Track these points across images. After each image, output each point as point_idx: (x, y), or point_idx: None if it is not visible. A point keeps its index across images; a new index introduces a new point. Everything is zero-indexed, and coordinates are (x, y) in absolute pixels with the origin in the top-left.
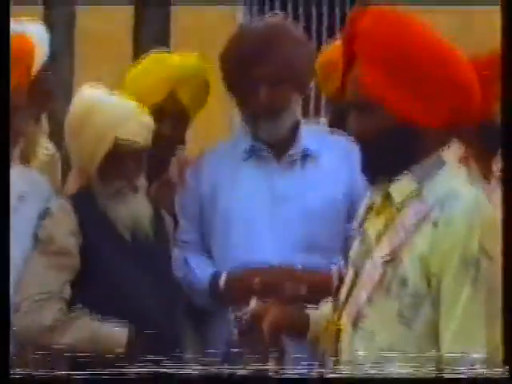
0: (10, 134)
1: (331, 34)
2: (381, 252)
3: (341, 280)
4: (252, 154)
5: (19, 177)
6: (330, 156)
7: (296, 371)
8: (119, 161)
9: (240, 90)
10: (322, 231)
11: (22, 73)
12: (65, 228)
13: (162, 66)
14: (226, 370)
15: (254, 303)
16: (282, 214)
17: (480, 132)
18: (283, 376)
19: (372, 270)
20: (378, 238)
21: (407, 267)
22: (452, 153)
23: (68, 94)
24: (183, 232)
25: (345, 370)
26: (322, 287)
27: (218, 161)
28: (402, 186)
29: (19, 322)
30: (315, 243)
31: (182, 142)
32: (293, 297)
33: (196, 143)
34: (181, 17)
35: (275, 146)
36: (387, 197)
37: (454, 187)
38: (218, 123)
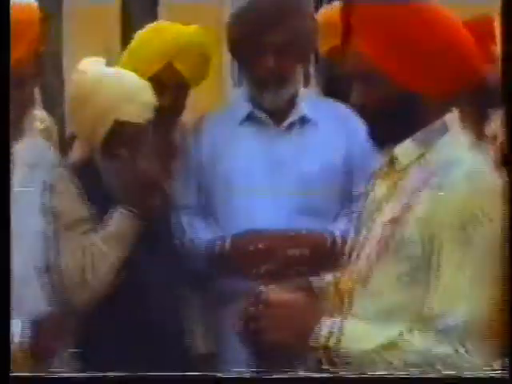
0: (9, 131)
1: None
2: (386, 214)
3: (344, 242)
4: (250, 119)
5: (28, 147)
6: (328, 122)
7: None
8: (120, 139)
9: (248, 55)
10: (320, 195)
11: (26, 46)
12: (69, 198)
13: (160, 36)
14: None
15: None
16: (281, 179)
17: (474, 95)
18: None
19: (377, 232)
20: (384, 200)
21: (410, 229)
22: (455, 119)
23: (58, 67)
24: (184, 196)
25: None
26: (324, 250)
27: (216, 126)
28: (406, 151)
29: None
30: (315, 207)
31: (181, 111)
32: (296, 260)
33: (196, 109)
34: None
35: (274, 112)
36: (392, 161)
37: (456, 153)
38: (217, 91)
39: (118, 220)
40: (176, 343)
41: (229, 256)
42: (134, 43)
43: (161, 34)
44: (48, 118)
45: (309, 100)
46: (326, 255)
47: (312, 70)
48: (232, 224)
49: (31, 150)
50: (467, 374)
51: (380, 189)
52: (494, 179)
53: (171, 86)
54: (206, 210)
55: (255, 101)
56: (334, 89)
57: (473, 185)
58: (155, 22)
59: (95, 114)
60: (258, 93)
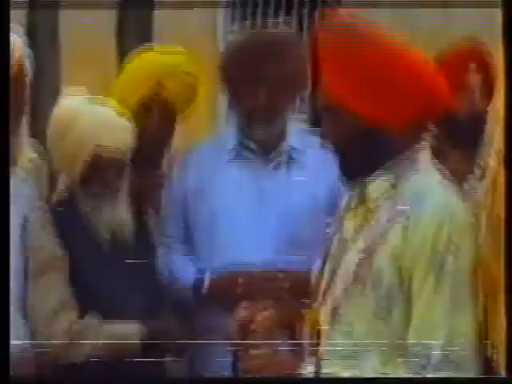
0: (9, 137)
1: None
2: (357, 246)
3: (321, 277)
4: (238, 152)
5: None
6: (314, 156)
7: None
8: (100, 168)
9: (239, 88)
10: (304, 231)
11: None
12: (45, 239)
13: (147, 61)
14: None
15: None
16: (267, 213)
17: (451, 127)
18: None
19: (348, 266)
20: (355, 235)
21: (381, 263)
22: (425, 151)
23: (55, 97)
24: (168, 227)
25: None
26: (304, 287)
27: (204, 157)
28: (376, 185)
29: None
30: (298, 243)
31: (170, 138)
32: (275, 298)
33: (185, 141)
34: (163, 19)
35: (262, 146)
36: (363, 195)
37: (425, 186)
38: (206, 121)
39: None
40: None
41: (209, 291)
42: (120, 76)
43: (146, 60)
44: (36, 155)
45: (296, 133)
46: (308, 291)
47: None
48: (215, 259)
49: (12, 184)
50: (467, 374)
51: (351, 222)
52: (463, 211)
53: (158, 112)
54: (189, 244)
55: (243, 133)
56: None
57: (443, 216)
58: (142, 51)
59: (74, 144)
60: (247, 126)
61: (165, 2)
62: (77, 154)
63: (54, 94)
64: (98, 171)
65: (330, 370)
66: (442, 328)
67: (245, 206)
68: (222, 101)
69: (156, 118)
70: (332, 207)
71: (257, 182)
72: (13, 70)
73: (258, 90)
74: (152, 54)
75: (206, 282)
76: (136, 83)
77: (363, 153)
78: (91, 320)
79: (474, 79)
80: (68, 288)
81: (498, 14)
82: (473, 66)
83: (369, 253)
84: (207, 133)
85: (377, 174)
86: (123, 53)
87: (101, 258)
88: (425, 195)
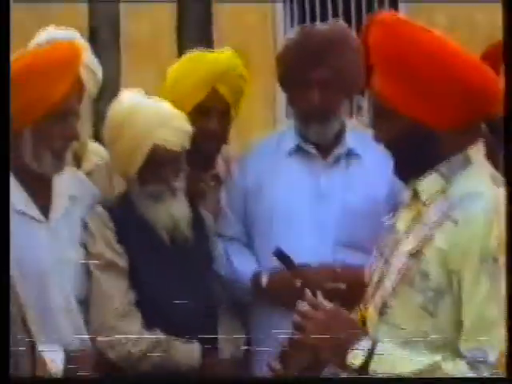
0: (9, 137)
1: None
2: (407, 246)
3: (373, 276)
4: (297, 151)
5: (70, 179)
6: (374, 156)
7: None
8: (157, 166)
9: (294, 90)
10: (363, 230)
11: (69, 82)
12: (103, 240)
13: (201, 64)
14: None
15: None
16: (325, 212)
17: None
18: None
19: (397, 263)
20: (406, 232)
21: (429, 262)
22: (478, 151)
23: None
24: (228, 226)
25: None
26: (360, 285)
27: (263, 156)
28: (428, 184)
29: (102, 344)
30: (356, 242)
31: (227, 137)
32: (333, 296)
33: (239, 140)
34: (222, 16)
35: (321, 146)
36: (415, 195)
37: (476, 186)
38: (261, 120)
39: None
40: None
41: (267, 290)
42: (170, 77)
43: (200, 62)
44: (106, 153)
45: (355, 133)
46: (362, 290)
47: (361, 102)
48: (272, 257)
49: (72, 182)
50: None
51: (403, 221)
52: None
53: (216, 112)
54: (248, 241)
55: (301, 133)
56: None
57: (491, 218)
58: (188, 54)
59: (132, 141)
60: (304, 126)
61: None
62: (134, 151)
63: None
64: (156, 168)
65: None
66: (498, 327)
67: (303, 205)
68: (282, 101)
69: (213, 119)
70: (391, 207)
71: (315, 182)
72: (73, 73)
73: (311, 91)
74: (201, 57)
75: (265, 279)
76: (192, 88)
77: (416, 154)
78: (157, 336)
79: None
80: (130, 289)
81: None
82: None
83: (418, 251)
84: (265, 133)
85: (429, 174)
86: (183, 49)
87: (159, 257)
88: (475, 196)
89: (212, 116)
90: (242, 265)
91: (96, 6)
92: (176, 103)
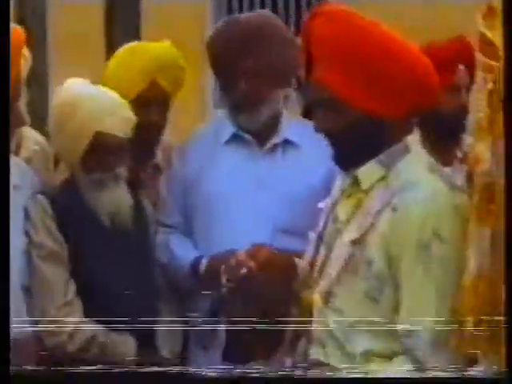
0: (9, 137)
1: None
2: (349, 234)
3: (314, 261)
4: (235, 139)
5: (13, 168)
6: (310, 144)
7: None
8: (101, 153)
9: (222, 79)
10: (301, 217)
11: (20, 65)
12: (45, 229)
13: (141, 55)
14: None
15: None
16: (262, 199)
17: (437, 118)
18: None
19: (341, 251)
20: (348, 220)
21: (372, 249)
22: (416, 140)
23: (44, 88)
24: (167, 215)
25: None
26: (293, 270)
27: (202, 145)
28: (369, 172)
29: (42, 332)
30: (295, 228)
31: (165, 126)
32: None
33: (177, 129)
34: (151, 8)
35: (257, 134)
36: (355, 183)
37: (415, 174)
38: (191, 110)
39: None
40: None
41: (206, 275)
42: (110, 68)
43: (139, 53)
44: (44, 140)
45: (292, 123)
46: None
47: (294, 93)
48: (212, 244)
49: (14, 171)
50: (467, 374)
51: (343, 209)
52: (451, 201)
53: (156, 102)
54: (188, 229)
55: (234, 123)
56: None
57: (427, 207)
58: (126, 45)
59: (76, 128)
60: (233, 115)
61: None
62: (79, 138)
63: (43, 83)
64: (99, 156)
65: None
66: (428, 314)
67: (241, 193)
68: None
69: (152, 110)
70: (328, 194)
71: (253, 169)
72: (16, 59)
73: (238, 80)
74: (142, 48)
75: (203, 267)
76: (132, 80)
77: (359, 143)
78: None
79: (463, 79)
80: (71, 279)
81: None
82: (462, 67)
83: (360, 239)
84: (202, 122)
85: (370, 163)
86: (112, 41)
87: (101, 243)
88: (414, 184)
89: (152, 107)
90: (182, 252)
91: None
92: (121, 90)
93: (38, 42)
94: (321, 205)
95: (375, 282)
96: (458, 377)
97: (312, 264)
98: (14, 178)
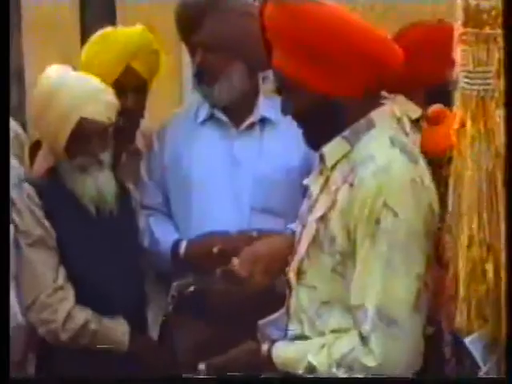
0: (9, 137)
1: None
2: (316, 211)
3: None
4: (211, 119)
5: None
6: (288, 124)
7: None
8: (84, 139)
9: (188, 52)
10: (278, 195)
11: None
12: (31, 216)
13: (114, 42)
14: None
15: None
16: (240, 179)
17: (427, 98)
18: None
19: (309, 228)
20: (317, 197)
21: (334, 225)
22: (381, 114)
23: (20, 80)
24: (148, 197)
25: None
26: (277, 250)
27: (180, 126)
28: (333, 149)
29: (33, 320)
30: (273, 207)
31: (143, 112)
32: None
33: (155, 113)
34: None
35: (232, 113)
36: (322, 160)
37: (373, 149)
38: (168, 94)
39: None
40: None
41: (186, 258)
42: (84, 55)
43: (113, 39)
44: (19, 127)
45: (269, 101)
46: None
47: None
48: (191, 226)
49: None
50: (466, 374)
51: (315, 186)
52: (404, 174)
53: (132, 88)
54: (168, 211)
55: (203, 97)
56: None
57: (380, 180)
58: (99, 31)
59: (59, 114)
60: (198, 90)
61: None
62: (62, 124)
63: (17, 70)
64: (83, 141)
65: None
66: (373, 287)
67: (218, 173)
68: (188, 74)
69: (129, 95)
70: (307, 173)
71: (229, 149)
72: None
73: (195, 54)
74: (114, 34)
75: (183, 247)
76: (107, 66)
77: (322, 123)
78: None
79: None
80: (61, 265)
81: None
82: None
83: (325, 216)
84: (173, 106)
85: (334, 140)
86: (86, 26)
87: (87, 230)
88: (369, 159)
89: (128, 92)
90: (163, 235)
91: None
92: (100, 74)
93: (11, 27)
94: (305, 181)
95: (339, 257)
96: (459, 377)
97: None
98: None
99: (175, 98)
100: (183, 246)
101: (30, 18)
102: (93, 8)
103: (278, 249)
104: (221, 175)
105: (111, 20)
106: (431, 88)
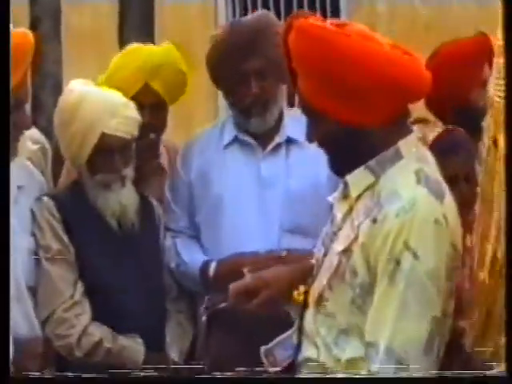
0: (10, 132)
1: None
2: (339, 241)
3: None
4: (236, 142)
5: (17, 169)
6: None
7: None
8: (106, 154)
9: (229, 84)
10: (306, 215)
11: (24, 70)
12: (51, 231)
13: (135, 59)
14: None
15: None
16: (268, 199)
17: (455, 117)
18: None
19: (331, 259)
20: (341, 224)
21: (356, 258)
22: (408, 144)
23: (57, 88)
24: (174, 220)
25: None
26: (305, 270)
27: (205, 147)
28: (357, 179)
29: (49, 334)
30: (300, 227)
31: (162, 129)
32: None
33: (182, 130)
34: (164, 8)
35: (260, 135)
36: (346, 189)
37: (398, 185)
38: (202, 110)
39: None
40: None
41: (215, 279)
42: (109, 69)
43: (134, 56)
44: (44, 139)
45: (293, 120)
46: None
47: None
48: (221, 247)
49: (20, 171)
50: (467, 374)
51: (338, 210)
52: (428, 215)
53: (149, 106)
54: (195, 233)
55: (241, 126)
56: None
57: (403, 220)
58: (128, 47)
59: (81, 129)
60: (244, 119)
61: None
62: (84, 139)
63: (56, 84)
64: (105, 157)
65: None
66: (387, 326)
67: (246, 195)
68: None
69: (147, 112)
70: (335, 188)
71: (256, 171)
72: (24, 63)
73: (248, 82)
74: (138, 50)
75: (213, 268)
76: (126, 82)
77: (347, 150)
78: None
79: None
80: (79, 281)
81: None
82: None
83: (348, 248)
84: (207, 123)
85: (359, 169)
86: (124, 40)
87: (108, 246)
88: (396, 195)
89: (145, 110)
90: (190, 256)
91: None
92: (120, 89)
93: (51, 41)
94: (330, 198)
95: (359, 290)
96: (459, 377)
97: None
98: (19, 179)
99: (211, 118)
100: (212, 266)
101: (69, 28)
102: (131, 19)
103: (285, 277)
104: (249, 197)
105: (150, 35)
106: (460, 107)
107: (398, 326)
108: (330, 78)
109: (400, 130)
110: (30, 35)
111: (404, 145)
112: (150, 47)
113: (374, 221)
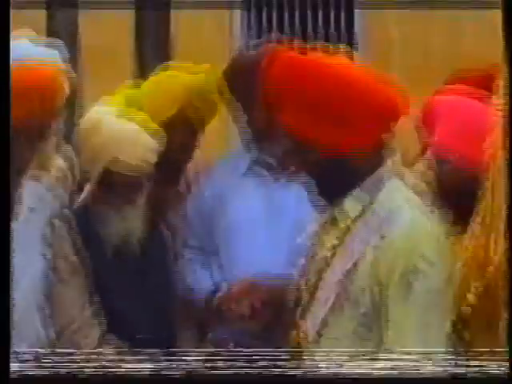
0: (9, 137)
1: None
2: (340, 263)
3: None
4: (252, 170)
5: (30, 192)
6: None
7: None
8: (111, 182)
9: (243, 109)
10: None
11: (52, 102)
12: (62, 252)
13: (172, 83)
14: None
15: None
16: (280, 226)
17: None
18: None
19: (328, 286)
20: (332, 254)
21: (362, 278)
22: (392, 167)
23: (76, 106)
24: (187, 244)
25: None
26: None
27: (220, 176)
28: (353, 202)
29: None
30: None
31: (190, 156)
32: None
33: (205, 155)
34: (180, 25)
35: (275, 162)
36: (336, 215)
37: (396, 203)
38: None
39: None
40: None
41: (224, 306)
42: (147, 88)
43: (173, 81)
44: (65, 165)
45: None
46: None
47: None
48: (232, 273)
49: (31, 194)
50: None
51: (328, 240)
52: (433, 225)
53: (181, 132)
54: (207, 258)
55: (261, 148)
56: None
57: (413, 233)
58: (158, 71)
59: (93, 152)
60: (259, 144)
61: (182, 2)
62: (96, 156)
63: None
64: (111, 184)
65: None
66: (410, 342)
67: (261, 222)
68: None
69: (179, 137)
70: None
71: (271, 198)
72: (47, 82)
73: (260, 106)
74: (176, 76)
75: (216, 299)
76: (162, 105)
77: (336, 177)
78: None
79: None
80: (88, 302)
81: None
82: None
83: (352, 268)
84: (225, 148)
85: (349, 196)
86: (141, 56)
87: (111, 268)
88: (396, 213)
89: (176, 135)
90: (197, 284)
91: (55, 11)
92: (150, 114)
93: (69, 58)
94: (299, 241)
95: (365, 313)
96: (457, 376)
97: (299, 289)
98: (31, 201)
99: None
100: (217, 297)
101: (86, 45)
102: (148, 38)
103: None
104: (263, 223)
105: (165, 51)
106: None
107: (421, 343)
108: (311, 106)
109: (387, 151)
110: (60, 75)
111: (386, 169)
112: (183, 76)
113: (382, 237)
